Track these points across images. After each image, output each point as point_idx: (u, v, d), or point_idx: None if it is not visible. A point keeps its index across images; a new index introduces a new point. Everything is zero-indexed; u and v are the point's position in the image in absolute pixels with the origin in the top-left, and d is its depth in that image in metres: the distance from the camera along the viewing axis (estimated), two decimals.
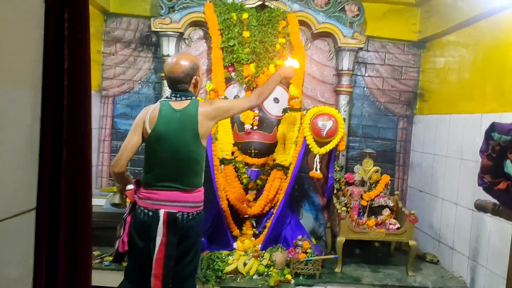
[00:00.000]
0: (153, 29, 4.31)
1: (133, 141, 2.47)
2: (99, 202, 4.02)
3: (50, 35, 1.27)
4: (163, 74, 4.39)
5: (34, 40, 1.25)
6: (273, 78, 3.13)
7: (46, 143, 1.26)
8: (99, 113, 4.69)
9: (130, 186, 2.59)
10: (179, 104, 2.46)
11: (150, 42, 4.73)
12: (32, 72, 1.25)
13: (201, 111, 2.45)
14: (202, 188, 2.56)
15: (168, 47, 4.37)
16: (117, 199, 2.59)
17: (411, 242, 3.75)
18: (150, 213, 2.40)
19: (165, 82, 4.38)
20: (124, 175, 2.55)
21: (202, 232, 2.67)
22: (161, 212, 2.38)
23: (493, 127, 2.00)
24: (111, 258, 3.39)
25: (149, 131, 2.43)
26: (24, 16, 1.20)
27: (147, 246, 2.40)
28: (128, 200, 2.63)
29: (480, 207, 2.11)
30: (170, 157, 2.41)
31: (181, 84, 2.48)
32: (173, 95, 2.50)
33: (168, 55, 4.37)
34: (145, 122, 2.45)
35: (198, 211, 2.50)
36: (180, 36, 4.41)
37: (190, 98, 2.49)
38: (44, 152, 1.26)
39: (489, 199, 2.12)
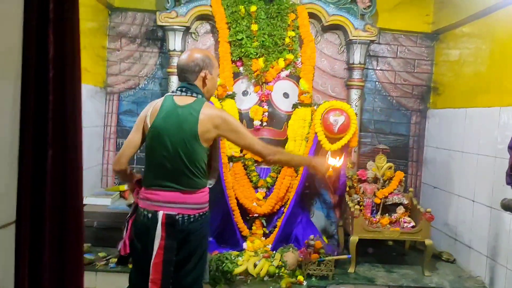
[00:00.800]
0: (159, 23, 4.20)
1: (134, 138, 2.35)
2: (105, 201, 3.94)
3: (32, 18, 1.08)
4: (169, 70, 4.30)
5: (11, 23, 1.07)
6: (300, 159, 3.05)
7: (27, 145, 1.08)
8: (104, 110, 4.59)
9: (125, 186, 2.49)
10: (183, 100, 2.28)
11: (156, 37, 4.62)
12: (9, 61, 1.07)
13: (205, 111, 2.25)
14: (206, 189, 2.36)
15: (175, 42, 4.26)
16: (132, 199, 2.50)
17: (427, 241, 3.62)
18: (149, 215, 2.25)
19: (172, 77, 4.29)
20: (126, 173, 2.42)
21: (207, 237, 2.47)
22: (160, 214, 2.22)
23: None
24: (116, 260, 3.30)
25: (149, 125, 2.28)
26: None
27: (146, 250, 2.25)
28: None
29: (507, 206, 1.98)
30: (169, 156, 2.24)
31: (188, 74, 2.32)
32: (179, 88, 2.33)
33: (174, 50, 4.26)
34: (146, 117, 2.31)
35: (200, 213, 2.30)
36: (186, 30, 4.30)
37: (196, 96, 2.31)
38: (24, 156, 1.08)
39: None
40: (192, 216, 2.26)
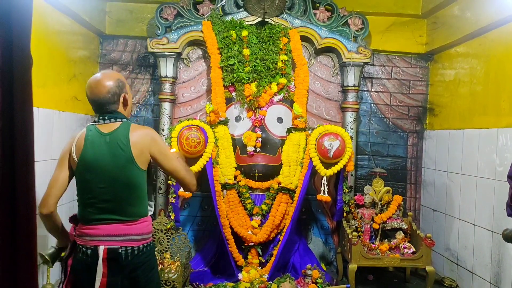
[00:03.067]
0: (150, 50, 4.17)
1: (60, 176, 2.12)
2: None
3: None
4: (161, 96, 4.24)
5: None
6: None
7: None
8: None
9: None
10: (108, 127, 2.12)
11: (148, 63, 4.58)
12: None
13: (134, 133, 2.12)
14: (148, 218, 2.21)
15: (166, 68, 4.22)
16: (47, 255, 2.23)
17: (429, 268, 3.51)
18: (89, 251, 2.07)
19: (164, 104, 4.23)
20: (55, 218, 2.15)
21: (157, 268, 2.28)
22: (101, 249, 2.04)
23: None
24: None
25: (76, 160, 2.09)
26: None
27: None
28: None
29: (510, 238, 1.88)
30: (105, 186, 2.08)
31: (109, 106, 2.14)
32: (100, 118, 2.15)
33: (166, 76, 4.21)
34: (71, 152, 2.11)
35: (145, 244, 2.14)
36: (178, 56, 4.26)
37: (120, 120, 2.16)
38: None
39: None
40: (136, 248, 2.10)
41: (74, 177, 2.18)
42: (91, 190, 2.10)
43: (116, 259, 2.06)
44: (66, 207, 3.71)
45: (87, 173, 2.10)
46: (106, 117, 2.15)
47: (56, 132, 3.56)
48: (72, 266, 2.15)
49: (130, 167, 2.09)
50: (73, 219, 2.22)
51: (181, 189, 3.66)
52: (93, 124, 2.17)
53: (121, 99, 2.18)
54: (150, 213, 2.24)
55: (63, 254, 2.25)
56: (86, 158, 2.09)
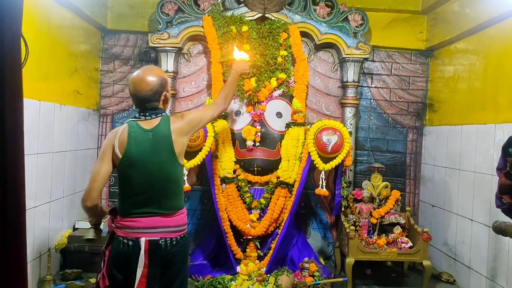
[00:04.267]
0: (151, 45, 4.20)
1: (103, 169, 2.21)
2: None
3: None
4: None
5: None
6: (233, 77, 3.21)
7: None
8: (97, 132, 4.56)
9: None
10: (149, 124, 2.22)
11: (149, 58, 4.61)
12: None
13: (174, 128, 2.23)
14: (184, 210, 2.33)
15: (167, 63, 4.25)
16: (91, 234, 2.33)
17: (426, 262, 3.54)
18: (130, 243, 2.16)
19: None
20: (97, 209, 2.28)
21: (188, 260, 2.42)
22: (142, 241, 2.14)
23: (510, 142, 1.81)
24: None
25: (120, 156, 2.18)
26: None
27: (127, 280, 2.15)
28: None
29: (500, 230, 1.91)
30: (147, 181, 2.19)
31: (150, 103, 2.23)
32: (141, 114, 2.24)
33: (167, 71, 4.24)
34: (114, 147, 2.20)
35: (182, 235, 2.26)
36: (178, 51, 4.29)
37: (160, 115, 2.24)
38: None
39: (509, 220, 1.92)
40: (174, 239, 2.21)
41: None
42: (132, 184, 2.21)
43: (156, 249, 2.16)
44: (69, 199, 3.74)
45: (129, 169, 2.20)
46: (147, 114, 2.24)
47: (57, 125, 3.60)
48: (111, 256, 2.24)
49: (171, 162, 2.22)
50: (112, 212, 2.31)
51: None
52: (134, 120, 2.25)
53: (162, 97, 2.27)
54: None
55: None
56: (130, 155, 2.19)
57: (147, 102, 2.22)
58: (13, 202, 1.12)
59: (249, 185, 3.98)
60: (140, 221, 2.19)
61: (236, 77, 3.22)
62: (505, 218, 1.93)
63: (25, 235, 1.16)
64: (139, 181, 2.19)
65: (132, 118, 2.29)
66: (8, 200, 1.10)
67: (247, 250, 3.84)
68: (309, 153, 3.71)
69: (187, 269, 2.44)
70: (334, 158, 3.68)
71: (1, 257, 1.10)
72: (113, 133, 2.26)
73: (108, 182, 2.34)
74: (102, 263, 2.26)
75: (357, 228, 3.80)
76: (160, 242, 2.17)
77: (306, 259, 3.59)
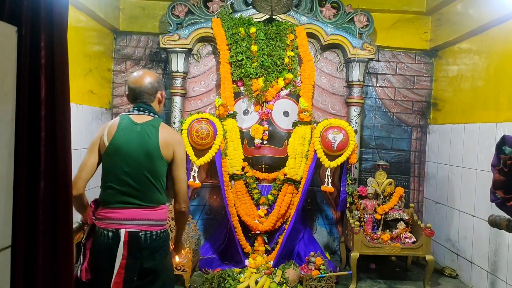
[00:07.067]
0: (162, 46, 4.33)
1: (90, 159, 2.27)
2: None
3: (25, 63, 1.16)
4: (172, 90, 4.41)
5: (6, 69, 1.14)
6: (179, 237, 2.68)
7: (21, 178, 1.16)
8: None
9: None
10: (140, 118, 2.29)
11: (160, 58, 4.75)
12: (4, 104, 1.14)
13: (164, 129, 2.30)
14: (165, 206, 2.34)
15: (177, 63, 4.38)
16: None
17: (428, 257, 3.64)
18: (110, 234, 2.19)
19: (175, 98, 4.40)
20: (83, 200, 2.30)
21: (170, 256, 2.43)
22: (122, 232, 2.17)
23: (503, 140, 1.91)
24: None
25: (106, 143, 2.25)
26: None
27: (109, 272, 2.17)
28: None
29: (494, 223, 2.02)
30: (131, 171, 2.22)
31: (146, 96, 2.32)
32: (135, 108, 2.33)
33: (177, 71, 4.38)
34: (102, 137, 2.27)
35: (162, 230, 2.28)
36: (188, 52, 4.42)
37: (153, 115, 2.33)
38: (19, 188, 1.16)
39: (504, 214, 2.03)
40: (154, 232, 2.23)
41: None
42: (116, 173, 2.24)
43: (136, 242, 2.18)
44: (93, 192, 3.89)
45: (114, 156, 2.24)
46: (141, 108, 2.31)
47: (73, 124, 3.71)
48: (93, 248, 2.26)
49: (155, 156, 2.25)
50: (94, 203, 2.34)
51: (191, 179, 3.83)
52: (126, 114, 2.33)
53: (158, 95, 2.38)
54: (168, 203, 2.39)
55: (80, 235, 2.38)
56: (116, 142, 2.24)
57: (144, 95, 2.31)
58: (63, 223, 1.24)
59: (257, 181, 4.11)
60: (121, 212, 2.22)
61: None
62: (500, 212, 2.04)
63: (71, 221, 1.29)
64: (122, 170, 2.23)
65: (125, 112, 2.37)
66: (57, 221, 1.23)
67: (255, 244, 3.97)
68: (315, 151, 3.83)
69: (171, 267, 2.44)
70: (340, 155, 3.80)
71: (52, 246, 1.23)
72: (104, 125, 2.34)
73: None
74: (82, 256, 2.27)
75: (361, 224, 3.91)
76: (140, 235, 2.19)
77: (312, 253, 3.71)
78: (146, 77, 2.34)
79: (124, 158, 2.23)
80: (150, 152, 2.24)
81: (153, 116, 2.33)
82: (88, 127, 4.11)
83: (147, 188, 2.25)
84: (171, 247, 2.63)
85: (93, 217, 2.30)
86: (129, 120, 2.29)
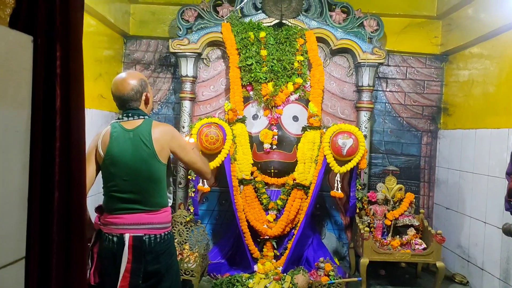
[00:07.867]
0: (171, 50, 4.34)
1: (88, 170, 2.24)
2: None
3: (40, 73, 1.17)
4: (182, 95, 4.42)
5: (21, 78, 1.14)
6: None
7: (35, 189, 1.17)
8: None
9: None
10: (131, 124, 2.31)
11: (169, 63, 4.76)
12: (19, 113, 1.15)
13: (156, 129, 2.31)
14: (168, 208, 2.38)
15: (187, 68, 4.39)
16: None
17: (439, 264, 3.61)
18: (115, 239, 2.24)
19: (184, 102, 4.40)
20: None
21: (176, 256, 2.46)
22: (126, 237, 2.21)
23: None
24: None
25: (102, 155, 2.28)
26: (8, 57, 1.09)
27: (116, 276, 2.21)
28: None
29: (508, 231, 2.00)
30: (130, 179, 2.25)
31: (132, 102, 2.33)
32: (124, 114, 2.34)
33: (186, 76, 4.39)
34: (97, 147, 2.30)
35: (166, 232, 2.32)
36: (198, 56, 4.43)
37: (143, 117, 2.34)
38: (33, 198, 1.17)
39: None
40: (158, 235, 2.27)
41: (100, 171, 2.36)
42: (116, 182, 2.28)
43: (140, 246, 2.22)
44: (92, 199, 3.90)
45: (112, 167, 2.28)
46: (130, 114, 2.33)
47: None
48: (99, 253, 2.31)
49: (152, 161, 2.27)
50: (98, 209, 2.39)
51: (200, 184, 3.83)
52: (117, 121, 2.35)
53: (143, 97, 2.38)
54: (170, 203, 2.42)
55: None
56: (112, 153, 2.26)
57: (129, 102, 2.32)
58: (76, 235, 1.25)
59: (266, 186, 4.10)
60: (125, 217, 2.26)
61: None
62: None
63: (85, 231, 1.30)
64: (121, 179, 2.26)
65: (115, 120, 2.38)
66: (71, 233, 1.23)
67: (264, 249, 3.95)
68: (324, 156, 3.81)
69: (177, 270, 2.46)
70: (349, 161, 3.78)
71: (66, 251, 1.24)
72: (97, 135, 2.36)
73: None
74: (90, 260, 2.31)
75: (371, 230, 3.88)
76: (144, 238, 2.23)
77: (321, 259, 3.69)
78: (128, 83, 2.32)
79: (121, 168, 2.26)
80: (146, 159, 2.26)
81: (143, 118, 2.34)
82: (98, 131, 4.11)
83: (148, 194, 2.29)
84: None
85: (99, 222, 2.34)
86: (120, 128, 2.31)
